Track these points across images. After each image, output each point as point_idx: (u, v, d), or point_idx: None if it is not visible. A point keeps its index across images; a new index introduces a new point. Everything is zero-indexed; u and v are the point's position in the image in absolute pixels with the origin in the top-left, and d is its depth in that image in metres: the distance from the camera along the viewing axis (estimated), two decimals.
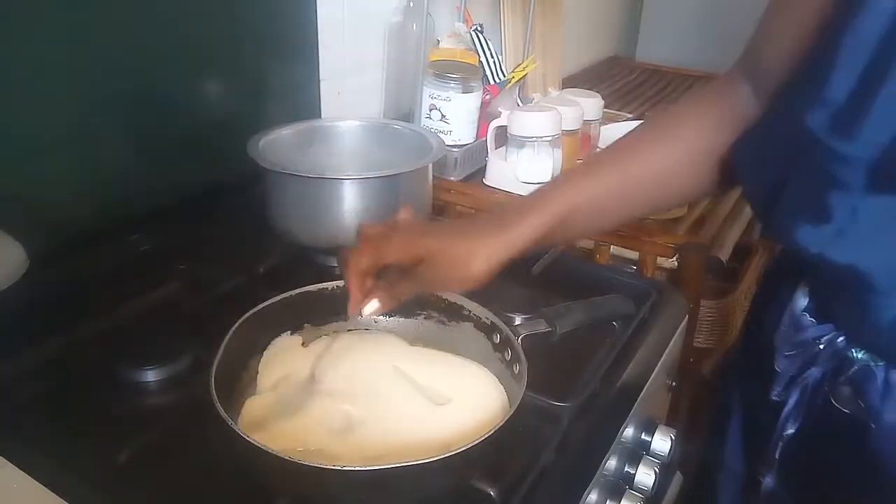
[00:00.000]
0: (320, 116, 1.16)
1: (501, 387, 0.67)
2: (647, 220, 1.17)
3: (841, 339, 0.61)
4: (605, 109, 1.46)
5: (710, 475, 0.78)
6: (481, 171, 1.27)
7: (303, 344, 0.72)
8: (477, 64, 1.29)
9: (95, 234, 0.87)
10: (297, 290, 0.72)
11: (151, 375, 0.69)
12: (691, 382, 1.27)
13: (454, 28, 1.35)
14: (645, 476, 0.72)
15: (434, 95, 1.23)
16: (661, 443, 0.76)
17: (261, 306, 0.68)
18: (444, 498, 0.56)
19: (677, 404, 1.16)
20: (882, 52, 0.48)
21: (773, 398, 0.65)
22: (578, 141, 1.29)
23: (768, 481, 0.68)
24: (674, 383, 0.89)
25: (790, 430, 0.65)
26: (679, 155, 0.67)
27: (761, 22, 0.65)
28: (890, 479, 0.59)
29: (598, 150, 1.39)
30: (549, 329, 0.77)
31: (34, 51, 0.77)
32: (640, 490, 0.71)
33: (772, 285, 0.72)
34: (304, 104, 1.14)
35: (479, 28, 1.35)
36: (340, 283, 0.73)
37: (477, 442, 0.53)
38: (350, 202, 0.86)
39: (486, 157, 1.26)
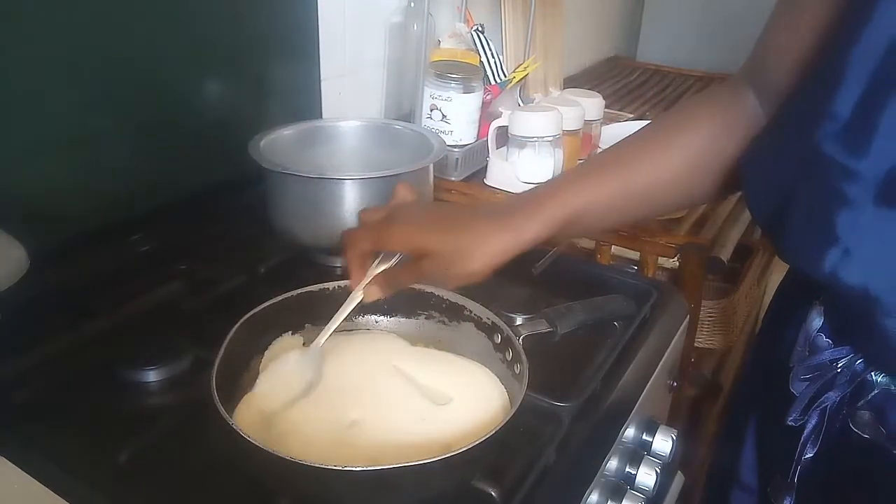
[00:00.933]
0: (321, 116, 1.16)
1: (502, 387, 0.67)
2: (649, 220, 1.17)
3: (859, 361, 0.59)
4: (606, 109, 1.46)
5: (723, 488, 0.76)
6: (482, 172, 1.27)
7: (304, 344, 0.72)
8: (478, 64, 1.29)
9: (96, 235, 0.87)
10: (299, 291, 0.72)
11: (152, 375, 0.69)
12: (692, 382, 1.26)
13: (455, 28, 1.35)
14: (646, 476, 0.72)
15: (435, 95, 1.23)
16: (663, 443, 0.76)
17: (262, 306, 0.68)
18: (444, 498, 0.56)
19: (678, 404, 1.16)
20: (888, 66, 0.48)
21: (790, 423, 0.63)
22: (579, 141, 1.29)
23: None
24: (675, 383, 0.89)
25: (808, 455, 0.63)
26: (684, 161, 0.66)
27: (766, 30, 0.64)
28: None
29: (599, 150, 1.39)
30: (550, 329, 0.77)
31: (35, 51, 0.77)
32: (641, 490, 0.71)
33: (785, 303, 0.70)
34: (305, 104, 1.14)
35: (480, 28, 1.35)
36: (341, 283, 0.73)
37: (478, 442, 0.53)
38: (351, 202, 0.86)
39: (487, 157, 1.26)
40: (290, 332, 0.71)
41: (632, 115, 1.66)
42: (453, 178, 1.25)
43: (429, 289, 0.74)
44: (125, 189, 0.90)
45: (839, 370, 0.60)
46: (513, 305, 0.81)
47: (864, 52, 0.49)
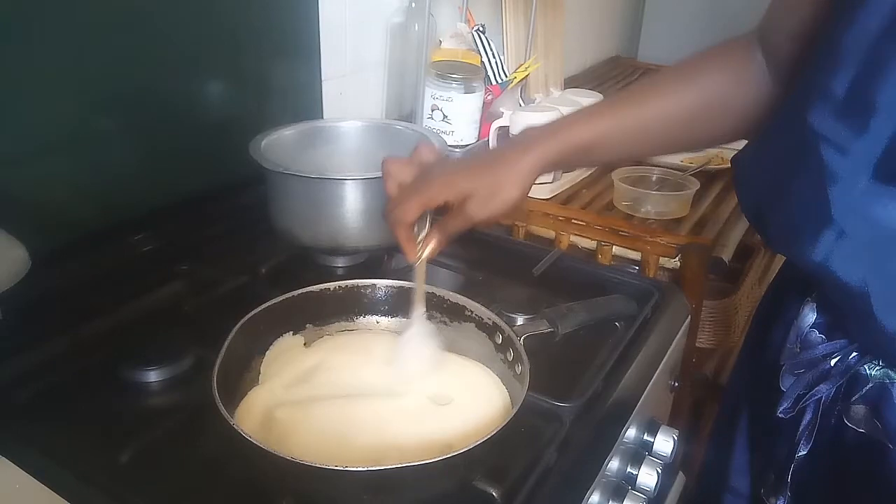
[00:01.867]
0: (322, 117, 1.16)
1: (503, 387, 0.67)
2: (651, 220, 1.17)
3: (853, 355, 0.59)
4: None
5: (713, 493, 0.77)
6: None
7: (305, 344, 0.72)
8: (479, 64, 1.29)
9: (98, 235, 0.87)
10: (299, 291, 0.72)
11: (153, 376, 0.69)
12: (694, 383, 1.26)
13: (456, 28, 1.35)
14: (647, 477, 0.72)
15: (436, 96, 1.23)
16: (664, 443, 0.76)
17: (263, 307, 0.68)
18: (445, 498, 0.56)
19: (680, 405, 1.15)
20: (882, 47, 0.48)
21: (780, 415, 0.63)
22: None
23: None
24: (676, 384, 0.89)
25: (802, 452, 0.63)
26: (696, 102, 0.68)
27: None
28: None
29: None
30: (552, 329, 0.77)
31: (36, 51, 0.78)
32: (642, 491, 0.71)
33: (777, 302, 0.70)
34: (306, 104, 1.14)
35: (481, 28, 1.35)
36: (342, 283, 0.74)
37: (479, 442, 0.53)
38: (352, 202, 0.86)
39: None
40: (291, 333, 0.71)
41: None
42: None
43: (430, 289, 0.74)
44: (126, 189, 0.90)
45: (832, 364, 0.60)
46: (514, 306, 0.81)
47: (858, 33, 0.49)
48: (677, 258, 1.09)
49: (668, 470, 0.76)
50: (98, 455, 0.59)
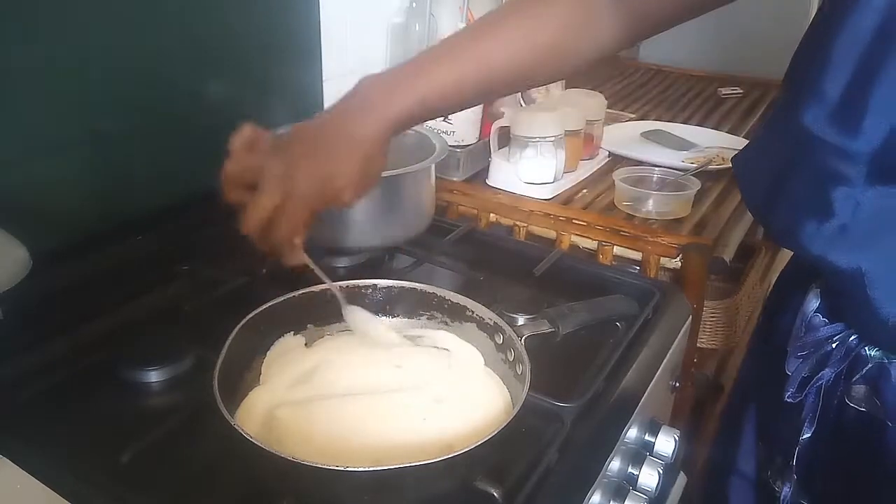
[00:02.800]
0: None
1: (504, 387, 0.67)
2: (652, 220, 1.17)
3: (853, 337, 0.61)
4: (608, 110, 1.46)
5: (720, 478, 0.77)
6: (484, 172, 1.27)
7: (306, 344, 0.72)
8: None
9: (98, 235, 0.87)
10: (300, 291, 0.72)
11: (154, 376, 0.70)
12: (695, 383, 1.26)
13: (457, 28, 1.35)
14: (648, 477, 0.72)
15: None
16: (665, 444, 0.76)
17: (264, 307, 0.68)
18: (446, 499, 0.56)
19: (681, 405, 1.15)
20: (875, 47, 0.49)
21: (787, 399, 0.65)
22: (581, 141, 1.29)
23: (786, 491, 0.67)
24: (677, 384, 0.89)
25: (807, 434, 0.64)
26: (535, 49, 0.66)
27: None
28: None
29: (601, 151, 1.39)
30: (553, 329, 0.77)
31: (38, 52, 0.78)
32: (643, 491, 0.71)
33: (784, 291, 0.72)
34: (308, 105, 1.14)
35: None
36: (343, 283, 0.74)
37: (480, 443, 0.53)
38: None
39: (489, 157, 1.26)
40: (291, 333, 0.71)
41: (633, 116, 1.66)
42: (455, 179, 1.25)
43: (430, 289, 0.74)
44: (127, 190, 0.90)
45: (834, 346, 0.62)
46: (515, 306, 0.81)
47: (850, 36, 0.50)
48: (678, 258, 1.09)
49: (670, 470, 0.75)
50: (99, 455, 0.59)
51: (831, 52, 0.51)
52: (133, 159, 0.90)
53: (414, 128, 1.04)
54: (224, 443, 0.54)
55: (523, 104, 1.43)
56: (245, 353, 0.66)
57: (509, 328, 0.68)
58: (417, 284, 0.74)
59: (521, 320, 0.80)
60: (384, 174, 0.86)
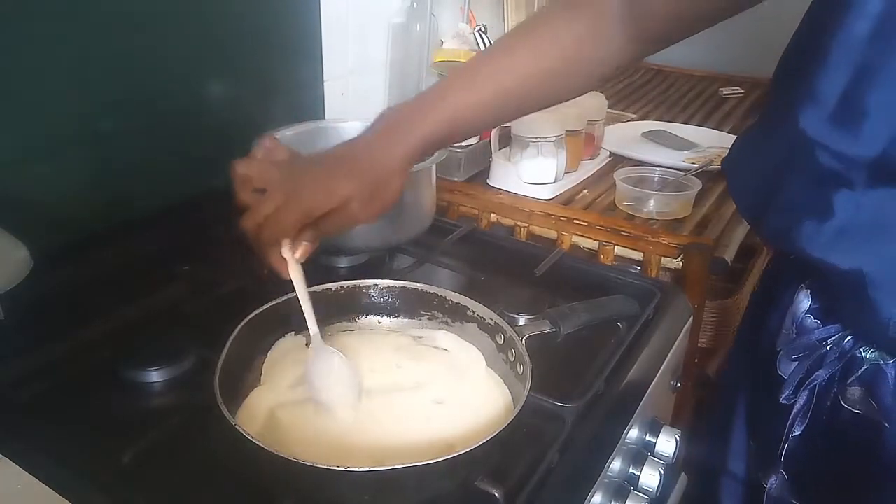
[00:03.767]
0: (324, 117, 1.16)
1: (505, 387, 0.67)
2: (653, 220, 1.17)
3: (848, 339, 0.60)
4: (609, 110, 1.46)
5: (713, 479, 0.77)
6: (485, 172, 1.28)
7: (307, 345, 0.72)
8: None
9: (99, 235, 0.87)
10: None
11: (155, 376, 0.69)
12: (696, 383, 1.26)
13: (458, 28, 1.35)
14: (649, 477, 0.72)
15: None
16: (666, 444, 0.76)
17: (265, 307, 0.68)
18: (447, 499, 0.56)
19: (682, 405, 1.15)
20: (871, 51, 0.49)
21: (783, 402, 0.64)
22: (582, 141, 1.29)
23: (773, 486, 0.68)
24: (678, 384, 0.89)
25: (796, 432, 0.65)
26: (549, 68, 0.68)
27: None
28: None
29: (602, 150, 1.39)
30: (553, 330, 0.76)
31: (38, 52, 0.78)
32: (644, 491, 0.71)
33: (771, 288, 0.71)
34: (308, 105, 1.14)
35: (482, 28, 1.35)
36: (344, 283, 0.74)
37: (481, 443, 0.53)
38: None
39: (490, 157, 1.26)
40: (293, 333, 0.71)
41: (634, 116, 1.66)
42: (456, 179, 1.25)
43: (431, 289, 0.74)
44: (128, 190, 0.90)
45: (828, 348, 0.61)
46: (516, 306, 0.81)
47: (846, 38, 0.50)
48: (679, 258, 1.09)
49: (671, 470, 0.75)
50: (100, 455, 0.59)
51: (826, 54, 0.51)
52: (134, 160, 0.90)
53: None
54: (225, 443, 0.54)
55: None
56: (246, 354, 0.66)
57: (510, 328, 0.68)
58: (418, 285, 0.74)
59: (522, 320, 0.80)
60: None
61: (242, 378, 0.66)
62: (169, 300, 0.83)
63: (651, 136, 1.49)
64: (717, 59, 2.02)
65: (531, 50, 0.67)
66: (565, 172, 1.24)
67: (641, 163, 1.35)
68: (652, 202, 1.19)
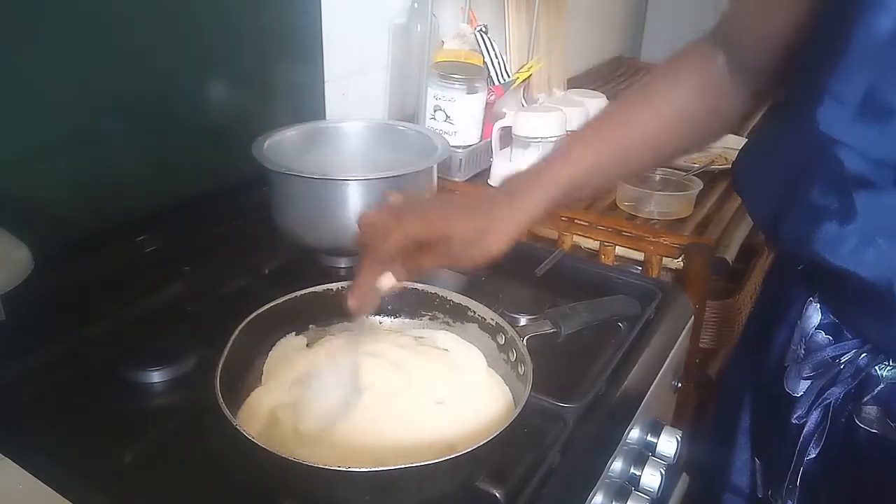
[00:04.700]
0: (325, 117, 1.16)
1: (506, 387, 0.67)
2: (654, 220, 1.17)
3: (863, 356, 0.58)
4: None
5: (715, 490, 0.76)
6: (486, 172, 1.27)
7: (308, 345, 0.72)
8: (481, 65, 1.29)
9: (101, 236, 0.87)
10: (302, 291, 0.72)
11: (156, 376, 0.70)
12: (697, 383, 1.26)
13: (459, 29, 1.35)
14: (651, 478, 0.72)
15: (438, 96, 1.23)
16: (667, 444, 0.76)
17: (266, 307, 0.68)
18: (448, 499, 0.56)
19: (683, 405, 1.15)
20: (894, 48, 0.47)
21: (794, 422, 0.63)
22: None
23: None
24: (679, 384, 0.89)
25: (812, 455, 0.63)
26: (664, 122, 0.68)
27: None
28: None
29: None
30: (555, 330, 0.76)
31: (39, 52, 0.78)
32: (645, 492, 0.71)
33: (775, 300, 0.69)
34: (309, 105, 1.14)
35: (483, 29, 1.35)
36: (345, 283, 0.73)
37: (482, 443, 0.53)
38: (355, 203, 0.86)
39: (491, 157, 1.26)
40: (293, 333, 0.71)
41: None
42: (457, 179, 1.25)
43: (432, 289, 0.74)
44: (129, 190, 0.90)
45: (842, 366, 0.60)
46: (517, 306, 0.81)
47: (868, 36, 0.48)
48: (680, 258, 1.09)
49: (672, 471, 0.75)
50: (101, 455, 0.59)
51: (847, 52, 0.49)
52: (136, 160, 0.90)
53: (415, 128, 1.05)
54: (226, 443, 0.54)
55: (525, 104, 1.43)
56: (247, 354, 0.66)
57: (511, 328, 0.68)
58: (419, 285, 0.74)
59: (523, 321, 0.80)
60: (385, 174, 0.87)
61: (243, 378, 0.66)
62: (169, 300, 0.83)
63: None
64: None
65: (641, 115, 0.69)
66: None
67: None
68: (653, 202, 1.19)
